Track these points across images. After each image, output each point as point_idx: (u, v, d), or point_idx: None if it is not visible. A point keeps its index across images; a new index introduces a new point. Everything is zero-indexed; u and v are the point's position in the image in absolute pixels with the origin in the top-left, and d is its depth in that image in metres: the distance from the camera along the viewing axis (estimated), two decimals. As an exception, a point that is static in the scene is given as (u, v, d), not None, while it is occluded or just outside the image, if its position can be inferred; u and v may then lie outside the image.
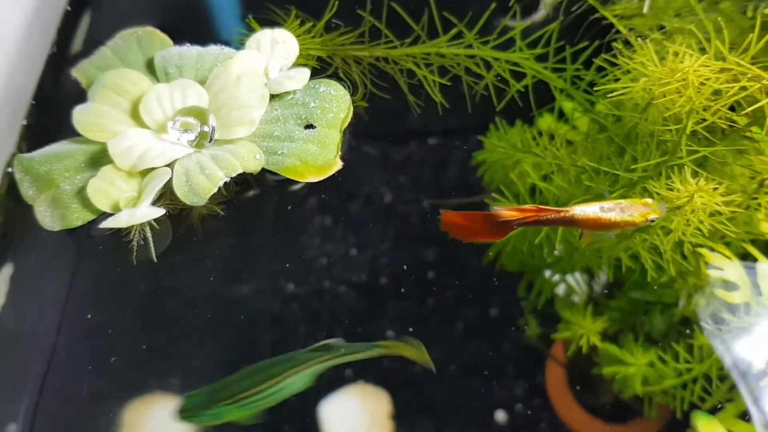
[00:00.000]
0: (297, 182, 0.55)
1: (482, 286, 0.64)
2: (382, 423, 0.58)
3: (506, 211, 0.48)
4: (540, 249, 0.71)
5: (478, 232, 0.50)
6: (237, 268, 0.57)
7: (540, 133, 0.73)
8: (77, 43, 0.67)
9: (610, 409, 0.75)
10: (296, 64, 0.61)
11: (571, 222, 0.51)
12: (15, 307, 0.54)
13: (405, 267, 0.62)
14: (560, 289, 0.74)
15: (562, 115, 0.72)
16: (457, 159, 0.70)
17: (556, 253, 0.71)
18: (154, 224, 0.51)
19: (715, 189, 0.51)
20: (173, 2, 0.73)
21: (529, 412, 0.67)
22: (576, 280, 0.75)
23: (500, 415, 0.68)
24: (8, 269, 0.55)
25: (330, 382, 0.57)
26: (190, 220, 0.55)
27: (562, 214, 0.50)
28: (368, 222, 0.63)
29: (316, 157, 0.54)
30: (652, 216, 0.51)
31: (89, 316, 0.54)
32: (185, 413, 0.50)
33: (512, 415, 0.68)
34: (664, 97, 0.53)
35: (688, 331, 0.69)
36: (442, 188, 0.68)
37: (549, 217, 0.50)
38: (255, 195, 0.58)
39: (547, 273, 0.72)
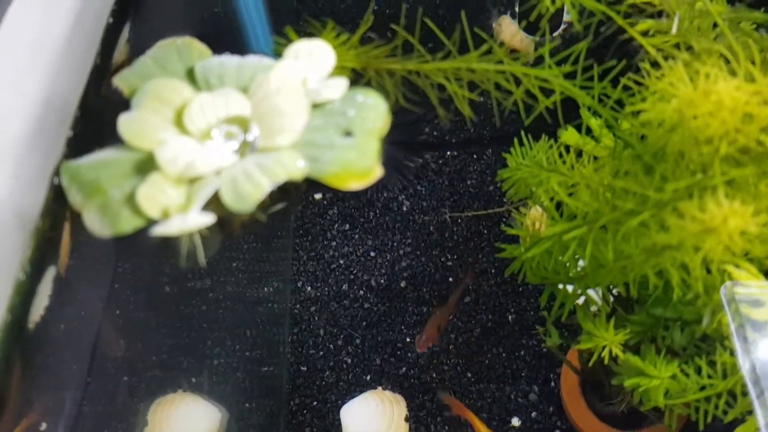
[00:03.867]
0: (327, 190, 0.57)
1: (499, 294, 0.65)
2: (398, 425, 0.59)
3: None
4: (564, 264, 0.72)
5: None
6: (276, 271, 0.59)
7: (567, 149, 0.74)
8: (118, 54, 0.68)
9: (622, 416, 0.76)
10: (332, 75, 0.62)
11: None
12: (59, 310, 0.55)
13: (425, 272, 0.63)
14: (581, 301, 0.75)
15: (586, 131, 0.73)
16: (482, 171, 0.71)
17: (579, 266, 0.72)
18: (203, 230, 0.52)
19: (748, 211, 0.52)
20: (207, 15, 0.75)
21: (542, 418, 0.68)
22: (596, 293, 0.77)
23: (515, 421, 0.69)
24: (52, 272, 0.56)
25: (351, 387, 0.58)
26: (232, 226, 0.56)
27: None
28: (394, 229, 0.64)
29: (357, 164, 0.55)
30: None
31: (131, 318, 0.55)
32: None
33: (526, 421, 0.69)
34: (695, 119, 0.55)
35: (708, 347, 0.70)
36: (464, 199, 0.68)
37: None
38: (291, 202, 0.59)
39: (570, 287, 0.73)
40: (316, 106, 0.58)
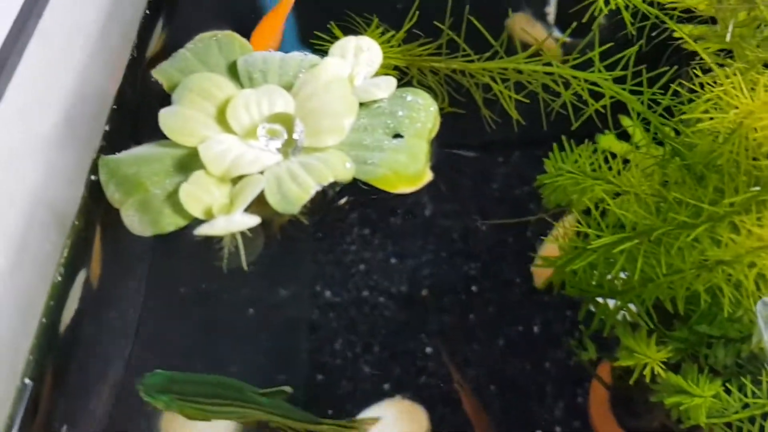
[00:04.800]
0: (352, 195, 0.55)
1: (525, 305, 0.63)
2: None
3: None
4: (608, 277, 0.70)
5: None
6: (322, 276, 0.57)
7: (613, 155, 0.72)
8: (154, 46, 0.66)
9: (652, 432, 0.74)
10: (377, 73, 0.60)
11: None
12: (90, 313, 0.53)
13: (448, 280, 0.61)
14: (620, 317, 0.73)
15: (626, 136, 0.71)
16: (507, 174, 0.69)
17: (622, 277, 0.70)
18: (246, 232, 0.50)
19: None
20: (239, 7, 0.73)
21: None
22: (636, 308, 0.74)
23: (540, 435, 0.67)
24: (84, 273, 0.54)
25: (368, 397, 0.56)
26: (272, 228, 0.54)
27: None
28: (416, 234, 0.61)
29: (407, 167, 0.53)
30: None
31: (150, 320, 0.53)
32: (143, 387, 0.50)
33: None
34: (756, 132, 0.53)
35: (752, 366, 0.68)
36: (489, 204, 0.66)
37: None
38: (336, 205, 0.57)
39: (611, 301, 0.71)
40: (362, 105, 0.56)
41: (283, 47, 0.66)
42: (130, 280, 0.55)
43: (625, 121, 0.78)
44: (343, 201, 0.59)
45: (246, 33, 0.63)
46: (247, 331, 0.56)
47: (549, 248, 0.71)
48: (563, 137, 0.73)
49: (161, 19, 0.70)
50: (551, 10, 0.82)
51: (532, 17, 0.79)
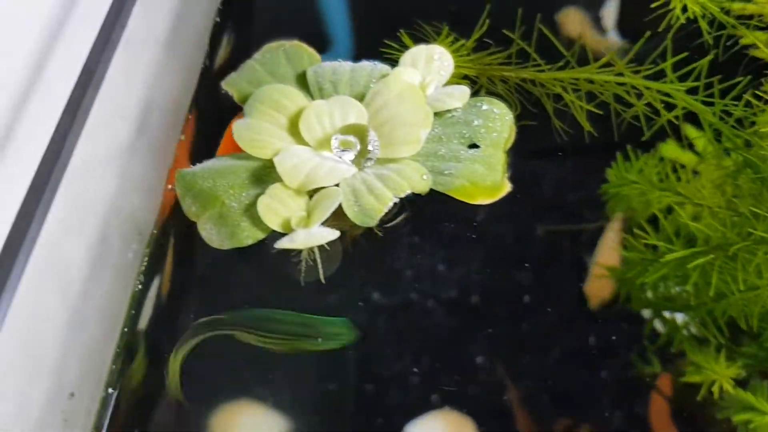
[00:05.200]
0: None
1: (580, 315, 0.61)
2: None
3: None
4: (678, 291, 0.69)
5: None
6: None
7: (682, 166, 0.70)
8: (222, 56, 0.66)
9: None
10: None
11: None
12: (164, 321, 0.53)
13: (500, 288, 0.59)
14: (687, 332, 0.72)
15: (689, 145, 0.70)
16: (559, 180, 0.67)
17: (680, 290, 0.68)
18: (325, 245, 0.49)
19: None
20: (301, 16, 0.72)
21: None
22: (704, 322, 0.73)
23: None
24: (158, 281, 0.54)
25: (415, 407, 0.55)
26: (345, 240, 0.53)
27: None
28: (468, 240, 0.60)
29: (485, 178, 0.52)
30: None
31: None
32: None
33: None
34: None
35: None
36: (544, 211, 0.64)
37: None
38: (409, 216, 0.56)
39: (676, 315, 0.70)
40: (435, 115, 0.55)
41: (336, 55, 0.65)
42: (204, 289, 0.55)
43: (691, 132, 0.76)
44: (404, 215, 0.58)
45: (309, 40, 0.62)
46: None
47: (604, 256, 0.70)
48: (629, 146, 0.72)
49: (228, 27, 0.70)
50: (610, 13, 0.80)
51: (585, 16, 0.78)
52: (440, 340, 0.56)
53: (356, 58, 0.60)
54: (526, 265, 0.59)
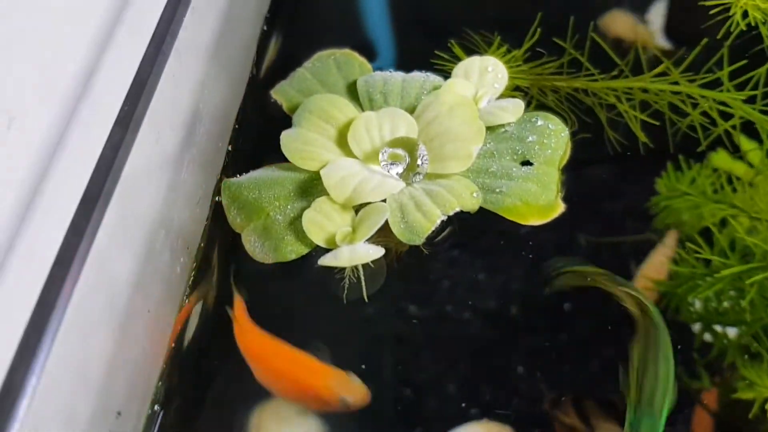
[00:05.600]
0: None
1: (621, 326, 0.59)
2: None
3: None
4: (733, 305, 0.67)
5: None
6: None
7: (738, 178, 0.68)
8: (269, 64, 0.66)
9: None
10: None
11: None
12: (207, 334, 0.53)
13: (539, 298, 0.57)
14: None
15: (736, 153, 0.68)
16: (596, 188, 0.65)
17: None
18: (369, 262, 0.48)
19: None
20: (356, 25, 0.71)
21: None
22: (758, 338, 0.70)
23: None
24: (203, 296, 0.54)
25: (454, 416, 0.54)
26: (390, 256, 0.52)
27: None
28: (505, 250, 0.58)
29: (538, 197, 0.50)
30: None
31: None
32: None
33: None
34: None
35: None
36: (583, 221, 0.62)
37: None
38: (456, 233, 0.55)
39: (731, 330, 0.67)
40: (487, 129, 0.54)
41: (380, 65, 0.64)
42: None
43: (746, 144, 0.74)
44: (449, 231, 0.56)
45: (358, 48, 0.61)
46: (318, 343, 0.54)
47: (650, 268, 0.68)
48: (681, 157, 0.69)
49: (274, 35, 0.69)
50: (657, 18, 0.77)
51: (631, 18, 0.75)
52: (493, 365, 0.55)
53: (399, 68, 0.59)
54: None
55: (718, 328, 0.70)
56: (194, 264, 0.53)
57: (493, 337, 0.55)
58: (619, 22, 0.76)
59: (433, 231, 0.50)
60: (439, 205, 0.49)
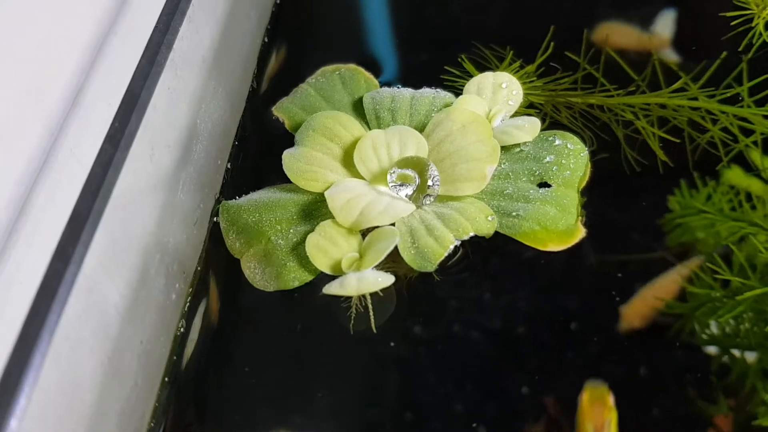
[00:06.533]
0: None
1: (629, 347, 0.56)
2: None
3: None
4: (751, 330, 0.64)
5: None
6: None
7: (758, 196, 0.66)
8: (270, 78, 0.63)
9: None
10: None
11: None
12: (207, 357, 0.49)
13: (546, 318, 0.54)
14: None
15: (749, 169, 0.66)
16: (602, 206, 0.62)
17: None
18: (378, 291, 0.45)
19: None
20: (360, 39, 0.69)
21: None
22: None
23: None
24: (201, 315, 0.51)
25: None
26: (400, 283, 0.49)
27: None
28: (513, 270, 0.55)
29: (557, 221, 0.47)
30: None
31: (242, 351, 0.48)
32: None
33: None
34: None
35: None
36: (591, 240, 0.59)
37: None
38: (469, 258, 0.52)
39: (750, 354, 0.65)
40: (502, 149, 0.51)
41: (385, 80, 0.61)
42: (246, 332, 0.51)
43: (758, 161, 0.72)
44: (461, 256, 0.53)
45: (363, 63, 0.59)
46: (324, 363, 0.51)
47: (661, 288, 0.65)
48: (695, 174, 0.67)
49: (275, 48, 0.66)
50: (665, 29, 0.75)
51: (629, 27, 0.73)
52: (517, 410, 0.52)
53: (406, 83, 0.56)
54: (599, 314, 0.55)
55: (736, 351, 0.68)
56: (190, 290, 0.50)
57: (517, 380, 0.52)
58: (617, 34, 0.73)
59: (447, 257, 0.47)
60: (451, 229, 0.46)
